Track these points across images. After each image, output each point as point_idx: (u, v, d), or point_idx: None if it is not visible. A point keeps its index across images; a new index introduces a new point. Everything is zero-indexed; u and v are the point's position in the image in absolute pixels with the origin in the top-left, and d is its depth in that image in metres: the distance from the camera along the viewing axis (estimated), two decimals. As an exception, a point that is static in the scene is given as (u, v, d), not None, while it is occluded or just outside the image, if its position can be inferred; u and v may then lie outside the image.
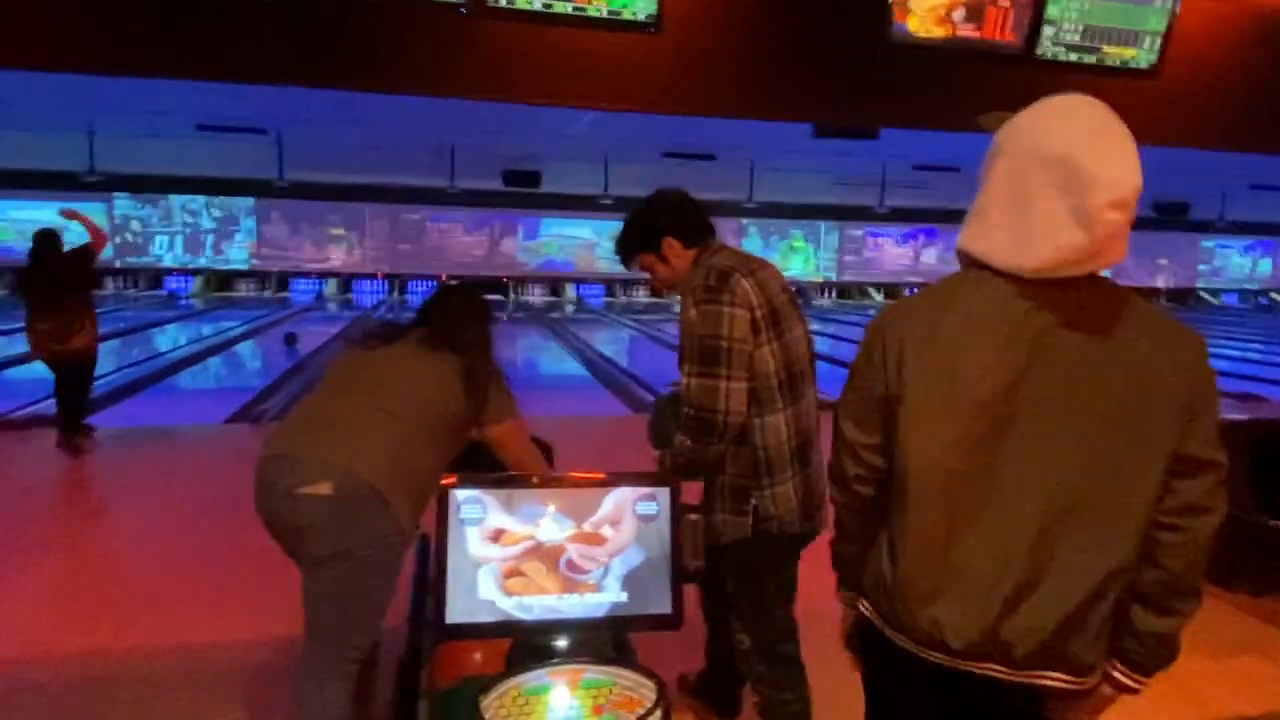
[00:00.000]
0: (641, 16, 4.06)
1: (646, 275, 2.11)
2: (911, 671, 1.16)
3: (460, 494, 1.31)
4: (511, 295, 19.29)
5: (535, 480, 1.35)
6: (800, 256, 20.74)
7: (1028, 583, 1.09)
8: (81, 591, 3.36)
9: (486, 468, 1.78)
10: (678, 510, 1.34)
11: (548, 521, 1.35)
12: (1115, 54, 4.77)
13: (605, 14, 4.00)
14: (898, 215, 19.41)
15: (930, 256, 21.30)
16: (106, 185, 15.86)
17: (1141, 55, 4.80)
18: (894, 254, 21.29)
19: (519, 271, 19.35)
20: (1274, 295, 23.52)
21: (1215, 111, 5.33)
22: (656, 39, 4.24)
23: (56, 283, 5.24)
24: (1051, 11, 4.57)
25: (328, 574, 1.74)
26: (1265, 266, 23.50)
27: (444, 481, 1.32)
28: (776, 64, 4.70)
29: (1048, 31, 4.62)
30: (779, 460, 1.91)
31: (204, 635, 3.01)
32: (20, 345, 10.52)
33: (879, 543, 1.23)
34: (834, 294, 21.16)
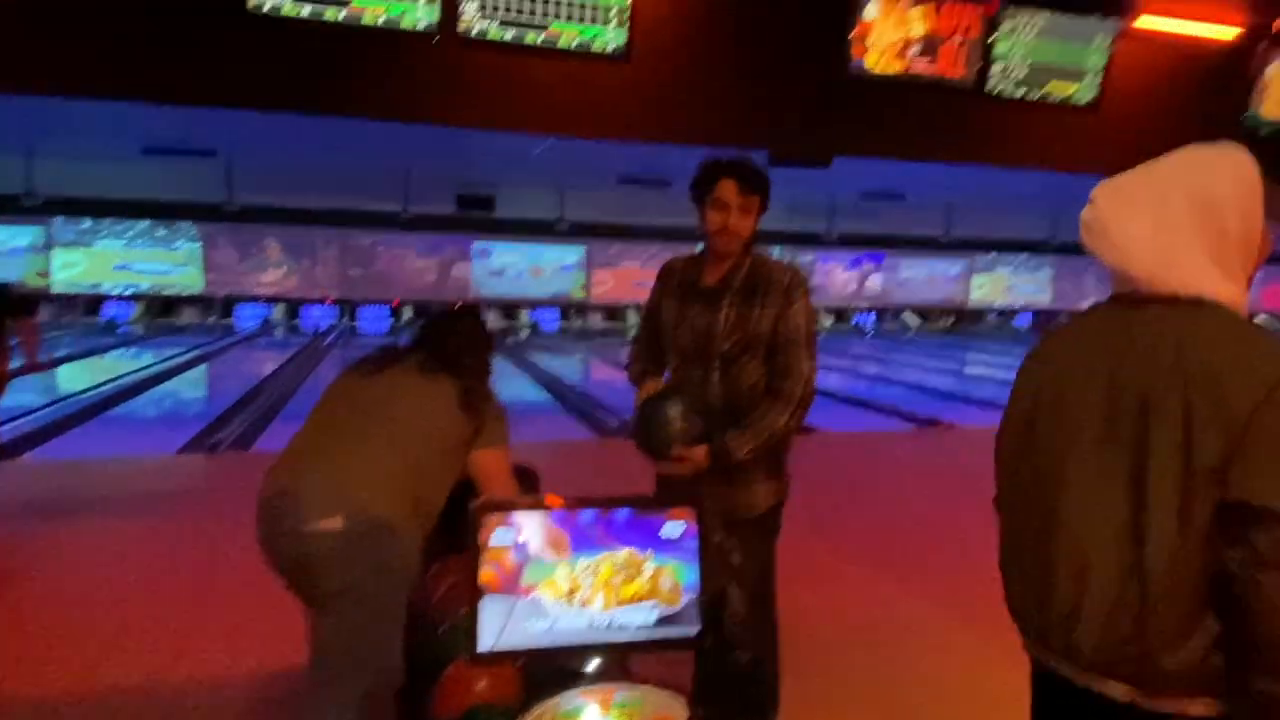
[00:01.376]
0: (611, 48, 4.15)
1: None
2: None
3: (491, 517, 1.32)
4: (465, 320, 19.12)
5: (564, 503, 1.36)
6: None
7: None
8: (39, 635, 3.21)
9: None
10: (703, 532, 1.37)
11: (577, 544, 1.37)
12: (1059, 90, 5.03)
13: (575, 46, 4.08)
14: (845, 241, 19.89)
15: (876, 281, 21.84)
16: (44, 209, 15.34)
17: (1083, 91, 5.07)
18: (841, 279, 21.77)
19: (471, 296, 19.22)
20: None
21: (1151, 142, 5.62)
22: (624, 69, 4.34)
23: None
24: (1000, 49, 4.81)
25: (339, 608, 1.71)
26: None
27: (474, 504, 1.32)
28: (739, 95, 4.84)
29: (996, 68, 4.85)
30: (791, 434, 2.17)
31: (176, 673, 2.91)
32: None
33: None
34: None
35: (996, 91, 4.95)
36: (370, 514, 1.68)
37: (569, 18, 4.02)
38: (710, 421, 2.04)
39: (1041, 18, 4.87)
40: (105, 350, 13.31)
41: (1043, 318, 22.84)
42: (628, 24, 4.12)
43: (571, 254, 19.39)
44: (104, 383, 9.94)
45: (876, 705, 2.85)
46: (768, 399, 2.05)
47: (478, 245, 18.86)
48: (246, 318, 17.62)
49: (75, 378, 10.56)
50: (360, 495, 1.69)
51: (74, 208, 16.13)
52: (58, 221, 16.34)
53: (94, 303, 17.12)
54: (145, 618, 3.32)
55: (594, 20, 4.07)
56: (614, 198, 17.10)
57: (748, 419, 2.05)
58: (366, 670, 1.78)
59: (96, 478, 5.52)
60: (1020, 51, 4.91)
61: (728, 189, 2.08)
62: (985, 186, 15.58)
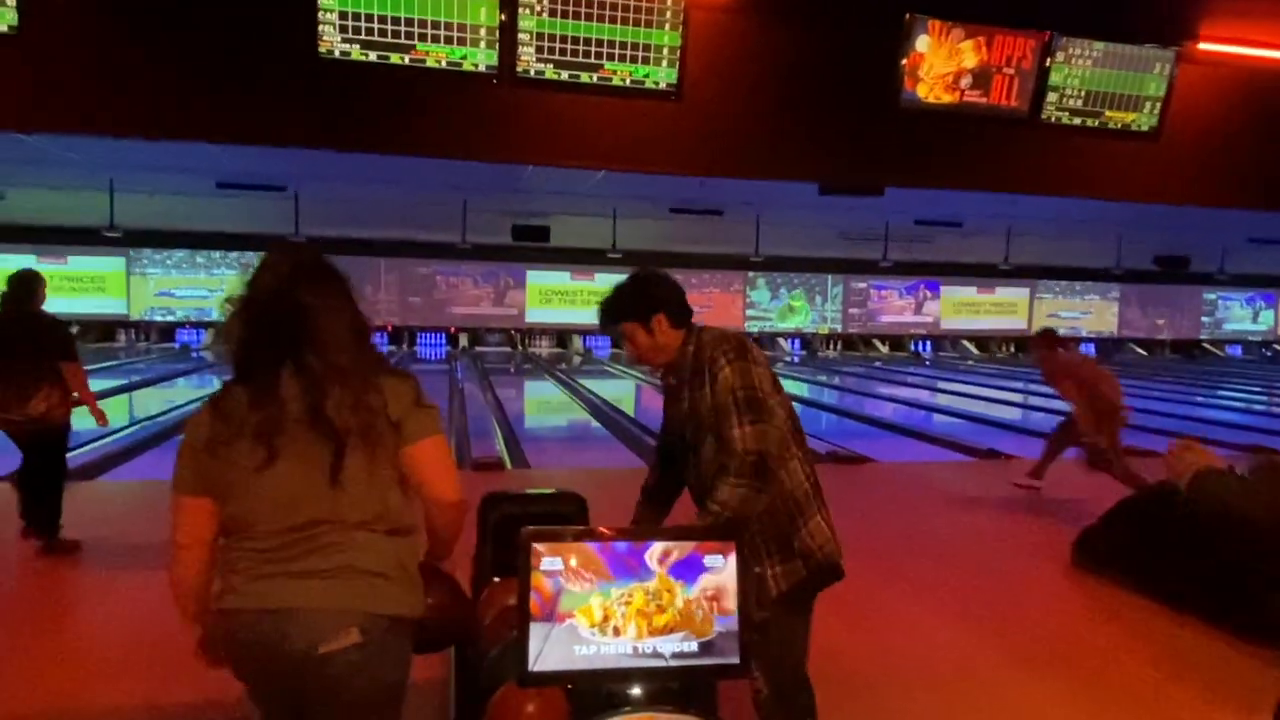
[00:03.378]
0: (663, 85, 4.25)
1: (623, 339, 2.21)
2: None
3: (541, 545, 1.38)
4: (519, 347, 19.47)
5: (610, 533, 1.41)
6: (805, 309, 20.96)
7: None
8: (114, 648, 3.37)
9: None
10: (742, 563, 1.40)
11: (625, 573, 1.42)
12: (1117, 118, 4.96)
13: (629, 83, 4.20)
14: (900, 269, 19.67)
15: (933, 309, 21.51)
16: (125, 241, 16.17)
17: (1142, 119, 4.99)
18: (897, 306, 21.50)
19: (525, 324, 19.56)
20: (1278, 347, 23.62)
21: (1213, 170, 5.52)
22: (676, 105, 4.44)
23: (25, 339, 4.20)
24: (1055, 78, 4.78)
25: (356, 708, 1.60)
26: (1268, 318, 23.67)
27: (524, 531, 1.38)
28: (790, 128, 4.90)
29: (1051, 97, 4.82)
30: (804, 498, 2.09)
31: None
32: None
33: None
34: (839, 346, 21.31)
35: (1053, 120, 4.91)
36: (382, 616, 1.57)
37: (621, 58, 4.15)
38: (699, 498, 2.09)
39: (1098, 46, 4.82)
40: (180, 375, 13.91)
41: (1108, 346, 22.15)
42: (678, 62, 4.23)
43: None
44: (178, 407, 10.38)
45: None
46: (718, 477, 1.97)
47: (532, 273, 19.23)
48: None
49: (151, 402, 11.05)
50: (366, 602, 1.55)
51: (153, 239, 16.98)
52: (136, 252, 17.24)
53: (169, 329, 17.93)
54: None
55: (646, 60, 4.18)
56: (666, 227, 17.26)
57: (695, 498, 2.08)
58: None
59: (166, 500, 5.76)
60: (1076, 80, 4.86)
61: (615, 332, 2.18)
62: (1046, 213, 15.28)
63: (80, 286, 17.38)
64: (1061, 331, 6.88)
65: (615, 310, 2.18)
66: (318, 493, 1.57)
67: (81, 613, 3.69)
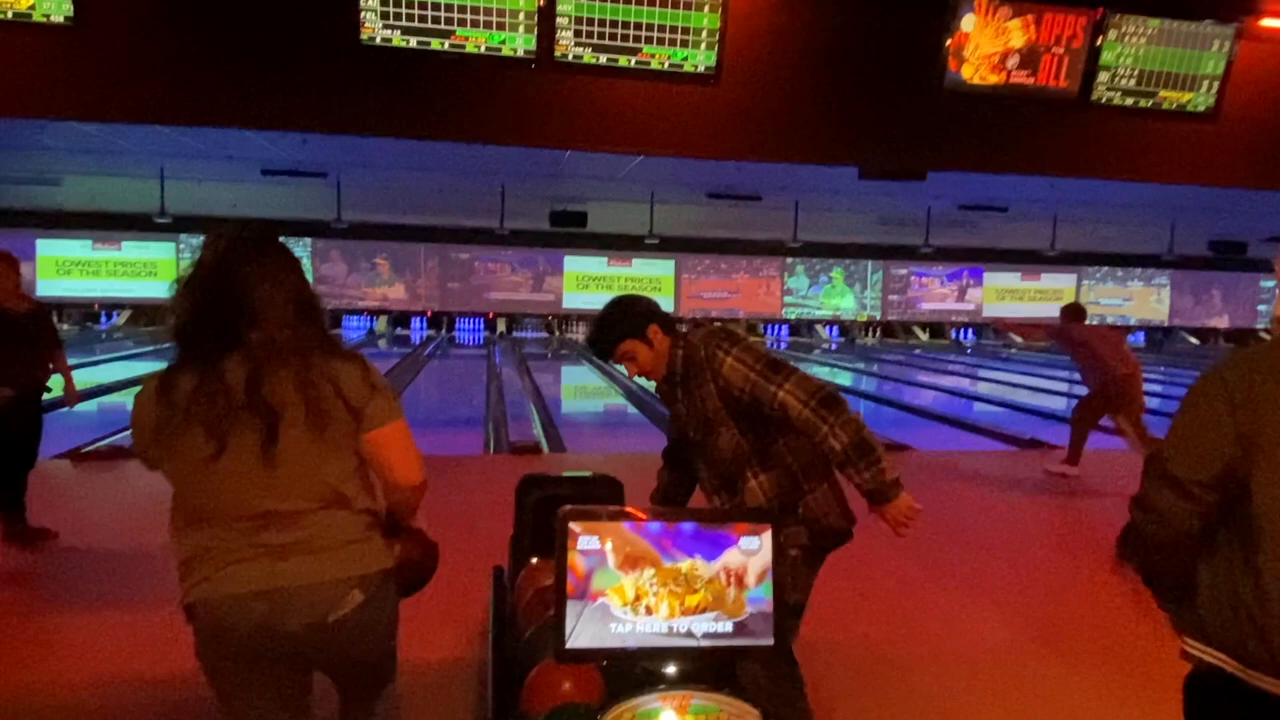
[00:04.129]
0: (702, 68, 4.22)
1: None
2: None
3: (577, 525, 1.40)
4: (556, 333, 19.57)
5: (647, 514, 1.43)
6: (844, 295, 20.73)
7: None
8: (176, 616, 3.48)
9: None
10: (778, 545, 1.41)
11: (659, 554, 1.43)
12: (1172, 98, 4.80)
13: (667, 67, 4.18)
14: (943, 255, 19.33)
15: (975, 296, 21.12)
16: (175, 226, 16.59)
17: (1199, 98, 4.82)
18: (939, 293, 21.15)
19: (563, 309, 19.65)
20: (1339, 336, 22.75)
21: (1273, 152, 5.31)
22: (715, 89, 4.41)
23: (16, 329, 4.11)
24: (1107, 57, 4.64)
25: (361, 667, 1.75)
26: (1328, 306, 22.83)
27: (561, 511, 1.40)
28: (830, 112, 4.83)
29: (1102, 77, 4.68)
30: (809, 468, 2.16)
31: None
32: (100, 376, 10.99)
33: (1220, 590, 1.32)
34: (879, 333, 21.05)
35: (1104, 101, 4.77)
36: (373, 574, 1.64)
37: (660, 41, 4.12)
38: (716, 488, 2.21)
39: (1152, 23, 4.67)
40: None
41: (1158, 335, 21.56)
42: (717, 45, 4.19)
43: (662, 267, 19.60)
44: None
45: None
46: (814, 438, 2.03)
47: (570, 259, 19.30)
48: (352, 328, 18.56)
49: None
50: (358, 563, 1.62)
51: (200, 225, 17.38)
52: (186, 238, 17.67)
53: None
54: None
55: (684, 43, 4.15)
56: (703, 212, 17.17)
57: (834, 463, 2.08)
58: (386, 681, 1.87)
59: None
60: (1129, 59, 4.71)
61: (615, 356, 2.24)
62: (1094, 196, 14.88)
63: (133, 271, 17.89)
64: (1109, 320, 6.83)
65: (612, 334, 2.21)
66: (265, 477, 1.56)
67: (138, 584, 3.83)
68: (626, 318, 2.20)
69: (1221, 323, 22.28)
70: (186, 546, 1.63)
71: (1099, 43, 4.64)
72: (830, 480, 2.21)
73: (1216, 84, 4.84)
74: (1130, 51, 4.70)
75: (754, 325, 20.27)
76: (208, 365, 1.56)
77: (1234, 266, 20.54)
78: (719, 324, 2.23)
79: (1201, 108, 4.88)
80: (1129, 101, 4.80)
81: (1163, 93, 4.81)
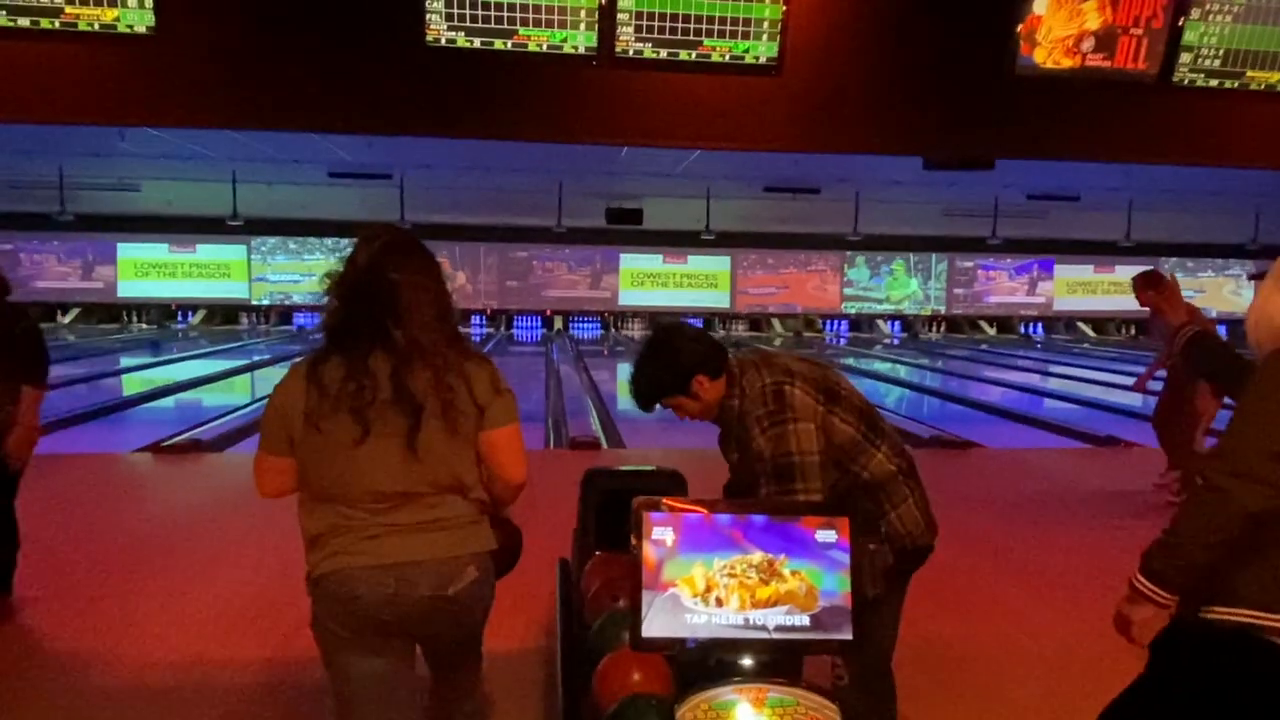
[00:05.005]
0: (763, 60, 4.18)
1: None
2: None
3: (654, 515, 1.40)
4: (611, 330, 19.67)
5: (721, 506, 1.43)
6: (906, 285, 20.30)
7: None
8: (251, 602, 3.63)
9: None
10: (856, 538, 1.39)
11: (730, 545, 1.43)
12: (1260, 78, 4.56)
13: (728, 59, 4.15)
14: (1011, 246, 18.76)
15: (1046, 289, 20.46)
16: (246, 229, 17.20)
17: (1290, 78, 4.57)
18: (1007, 286, 20.55)
19: (618, 306, 19.73)
20: None
21: (1374, 133, 5.01)
22: (776, 81, 4.36)
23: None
24: (1189, 37, 4.43)
25: (468, 640, 1.92)
26: None
27: (636, 502, 1.41)
28: (895, 100, 4.73)
29: (1184, 58, 4.48)
30: (891, 484, 2.06)
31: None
32: (176, 374, 11.45)
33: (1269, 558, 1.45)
34: (943, 328, 20.55)
35: (1186, 83, 4.56)
36: (483, 553, 1.82)
37: (721, 34, 4.10)
38: None
39: (1239, 1, 4.45)
40: (297, 356, 14.70)
41: (1240, 328, 20.58)
42: (779, 35, 4.14)
43: (718, 263, 19.52)
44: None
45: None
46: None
47: (626, 256, 19.36)
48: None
49: (272, 381, 11.74)
50: (469, 545, 1.78)
51: (271, 227, 17.98)
52: (257, 241, 18.31)
53: (287, 312, 18.99)
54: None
55: (746, 34, 4.12)
56: (760, 206, 17.02)
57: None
58: (479, 661, 2.02)
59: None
60: (1214, 38, 4.50)
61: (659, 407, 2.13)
62: (1172, 183, 14.26)
63: (207, 273, 18.59)
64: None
65: (651, 390, 2.07)
66: (406, 464, 1.72)
67: (215, 571, 3.98)
68: (666, 371, 2.04)
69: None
70: (318, 523, 1.77)
71: (1180, 23, 4.44)
72: (919, 495, 2.12)
73: (1310, 61, 4.58)
74: (1215, 30, 4.49)
75: (812, 320, 20.02)
76: (355, 358, 1.71)
77: (1325, 256, 19.46)
78: (780, 384, 2.01)
79: (1293, 87, 4.63)
80: (1213, 83, 4.58)
81: (1250, 73, 4.58)
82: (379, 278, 1.72)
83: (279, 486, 1.82)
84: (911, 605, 3.62)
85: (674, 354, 2.04)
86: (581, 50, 4.01)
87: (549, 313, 19.54)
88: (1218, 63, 4.54)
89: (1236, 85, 4.61)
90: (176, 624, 3.40)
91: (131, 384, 11.60)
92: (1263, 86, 4.63)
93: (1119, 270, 20.34)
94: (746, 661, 1.35)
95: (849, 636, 1.35)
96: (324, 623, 1.77)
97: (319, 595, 1.76)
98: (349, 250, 1.80)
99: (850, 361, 14.63)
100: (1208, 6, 4.44)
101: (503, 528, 1.93)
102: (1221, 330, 21.12)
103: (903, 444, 2.17)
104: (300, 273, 18.66)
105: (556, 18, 3.96)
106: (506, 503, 1.93)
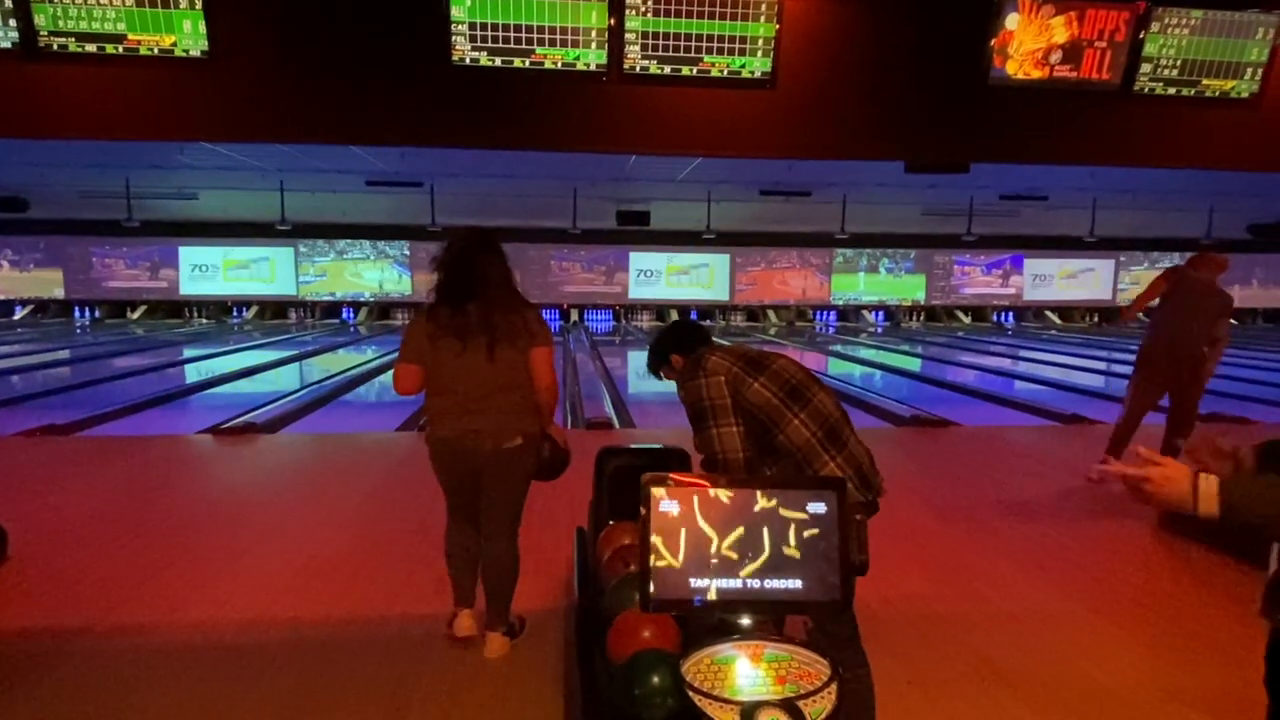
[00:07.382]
0: (758, 74, 4.13)
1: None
2: None
3: (659, 490, 1.40)
4: (622, 321, 19.68)
5: (723, 481, 1.43)
6: (890, 283, 20.18)
7: None
8: (305, 566, 3.65)
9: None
10: (845, 508, 1.38)
11: (731, 516, 1.42)
12: (1215, 86, 4.48)
13: (726, 74, 4.11)
14: (985, 243, 18.61)
15: (1017, 281, 20.31)
16: (293, 233, 17.23)
17: (1241, 85, 4.49)
18: (981, 280, 20.41)
19: (629, 301, 19.73)
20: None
21: (1320, 136, 4.91)
22: (770, 94, 4.31)
23: None
24: (1149, 49, 4.36)
25: (510, 484, 2.73)
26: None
27: (645, 478, 1.42)
28: (879, 110, 4.67)
29: (1145, 68, 4.40)
30: (809, 449, 2.12)
31: (396, 608, 3.23)
32: (232, 364, 11.53)
33: None
34: (922, 317, 20.44)
35: (1146, 91, 4.49)
36: (530, 433, 2.69)
37: (720, 50, 4.06)
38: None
39: (1195, 14, 4.37)
40: (340, 346, 14.77)
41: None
42: (773, 52, 4.10)
43: (717, 260, 19.47)
44: (339, 372, 11.04)
45: (992, 687, 2.70)
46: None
47: (634, 255, 19.33)
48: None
49: (317, 369, 11.80)
50: (521, 424, 2.67)
51: (315, 230, 18.01)
52: (304, 245, 18.35)
53: (333, 308, 19.05)
54: (368, 562, 3.70)
55: (742, 51, 4.08)
56: (756, 208, 16.95)
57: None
58: (517, 517, 2.81)
59: (331, 449, 6.17)
60: (1172, 50, 4.42)
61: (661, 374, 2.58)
62: (1135, 184, 14.09)
63: (258, 273, 18.65)
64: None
65: (649, 362, 2.56)
66: (486, 369, 2.63)
67: (270, 539, 4.02)
68: (654, 352, 2.53)
69: (1260, 304, 20.92)
70: (434, 405, 2.70)
71: (1141, 36, 4.36)
72: (842, 455, 2.15)
73: (1260, 70, 4.50)
74: (1173, 42, 4.41)
75: (804, 311, 19.94)
76: (457, 307, 2.66)
77: (1273, 249, 19.23)
78: (702, 353, 2.29)
79: (1245, 94, 4.55)
80: (1171, 91, 4.51)
81: (1205, 81, 4.51)
82: (469, 258, 2.67)
83: (408, 386, 2.68)
84: (892, 566, 3.61)
85: (659, 339, 2.52)
86: (593, 67, 3.97)
87: (565, 306, 19.54)
88: (1175, 72, 4.47)
89: (1193, 93, 4.53)
90: (240, 587, 3.44)
91: (193, 373, 11.68)
92: (1217, 94, 4.55)
93: (1083, 263, 20.17)
94: (745, 621, 1.35)
95: (838, 598, 1.35)
96: (433, 461, 2.74)
97: (432, 446, 2.71)
98: (445, 243, 2.73)
99: (838, 349, 14.58)
100: (1167, 20, 4.36)
101: (552, 441, 2.78)
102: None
103: (836, 421, 2.18)
104: (344, 272, 18.74)
105: (570, 38, 3.93)
106: (549, 409, 2.73)
